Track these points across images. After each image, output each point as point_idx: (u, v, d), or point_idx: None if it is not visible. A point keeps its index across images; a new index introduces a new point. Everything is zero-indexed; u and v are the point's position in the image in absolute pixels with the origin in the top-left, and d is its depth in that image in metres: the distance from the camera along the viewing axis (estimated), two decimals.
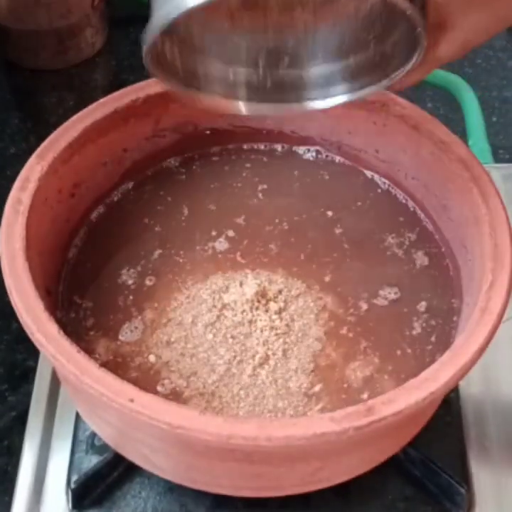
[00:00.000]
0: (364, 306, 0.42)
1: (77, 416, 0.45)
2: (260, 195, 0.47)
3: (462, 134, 0.60)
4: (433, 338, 0.41)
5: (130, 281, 0.43)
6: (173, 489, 0.43)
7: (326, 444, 0.33)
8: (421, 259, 0.45)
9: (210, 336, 0.40)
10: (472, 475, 0.44)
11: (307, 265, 0.44)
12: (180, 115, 0.46)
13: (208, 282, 0.43)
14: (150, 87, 0.45)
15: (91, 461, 0.43)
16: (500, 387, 0.47)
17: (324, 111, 0.45)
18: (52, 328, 0.35)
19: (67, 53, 0.67)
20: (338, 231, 0.46)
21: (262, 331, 0.40)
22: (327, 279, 0.43)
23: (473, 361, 0.35)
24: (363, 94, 0.39)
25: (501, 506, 0.43)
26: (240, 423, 0.33)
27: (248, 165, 0.48)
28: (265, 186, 0.47)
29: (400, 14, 0.33)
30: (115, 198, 0.47)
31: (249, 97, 0.40)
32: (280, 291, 0.42)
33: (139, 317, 0.42)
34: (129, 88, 0.44)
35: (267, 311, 0.41)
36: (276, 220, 0.46)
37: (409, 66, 0.36)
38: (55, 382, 0.46)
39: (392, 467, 0.42)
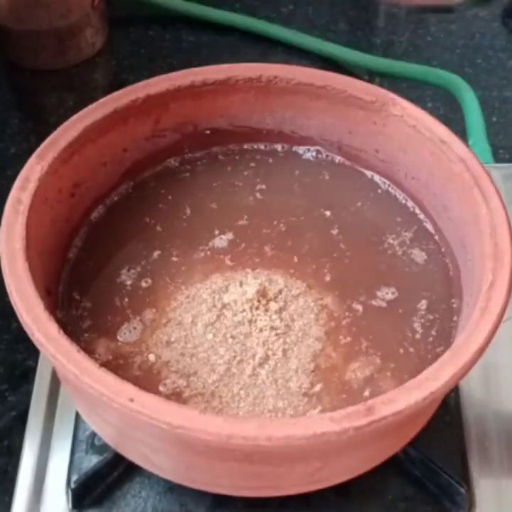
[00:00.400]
0: (364, 306, 0.42)
1: (77, 416, 0.45)
2: (261, 195, 0.47)
3: (462, 133, 0.60)
4: (433, 338, 0.41)
5: (130, 282, 0.43)
6: (173, 489, 0.43)
7: (326, 444, 0.33)
8: (421, 259, 0.45)
9: (210, 336, 0.40)
10: (472, 475, 0.44)
11: (307, 265, 0.44)
12: (180, 115, 0.46)
13: (208, 282, 0.43)
14: (150, 86, 0.45)
15: (91, 461, 0.43)
16: (500, 387, 0.47)
17: (324, 110, 0.45)
18: (52, 327, 0.35)
19: (67, 53, 0.67)
20: (338, 231, 0.46)
21: (261, 331, 0.40)
22: (327, 278, 0.43)
23: (473, 361, 0.35)
24: None
25: (502, 506, 0.43)
26: (240, 423, 0.33)
27: (251, 164, 0.48)
28: (264, 186, 0.47)
29: None
30: (115, 198, 0.47)
31: None
32: (280, 291, 0.42)
33: (138, 317, 0.42)
34: (128, 88, 0.44)
35: (267, 310, 0.41)
36: (275, 222, 0.46)
37: None
38: (55, 382, 0.46)
39: (392, 467, 0.42)
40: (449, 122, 0.43)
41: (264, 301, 0.41)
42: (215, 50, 0.70)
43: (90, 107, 0.43)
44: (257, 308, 0.41)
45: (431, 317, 0.42)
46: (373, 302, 0.43)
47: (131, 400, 0.33)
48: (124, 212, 0.46)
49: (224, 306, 0.41)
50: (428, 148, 0.43)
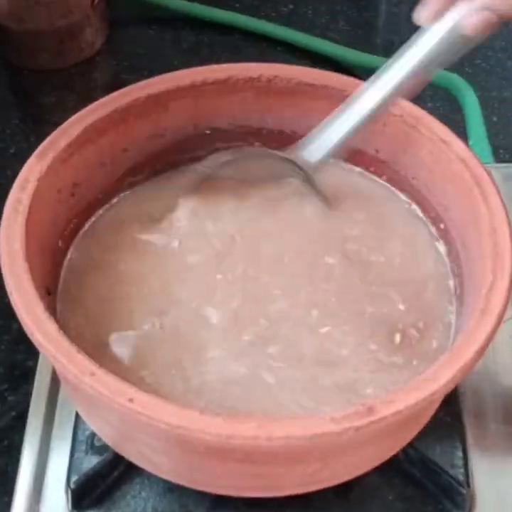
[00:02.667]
0: None
1: (77, 416, 0.45)
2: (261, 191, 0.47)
3: (462, 133, 0.60)
4: None
5: None
6: (173, 489, 0.43)
7: (326, 444, 0.33)
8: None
9: None
10: (473, 475, 0.44)
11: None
12: (180, 115, 0.46)
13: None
14: (150, 86, 0.45)
15: (91, 461, 0.43)
16: (501, 388, 0.47)
17: (324, 110, 0.45)
18: (52, 328, 0.35)
19: (67, 53, 0.67)
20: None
21: None
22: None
23: (473, 362, 0.35)
24: None
25: (502, 507, 0.43)
26: (240, 423, 0.33)
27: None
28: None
29: None
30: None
31: None
32: None
33: None
34: (128, 88, 0.44)
35: None
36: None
37: None
38: (55, 383, 0.46)
39: (392, 467, 0.42)
40: (449, 122, 0.43)
41: None
42: (215, 49, 0.70)
43: (90, 106, 0.43)
44: None
45: None
46: None
47: (131, 401, 0.33)
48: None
49: None
50: (428, 148, 0.43)
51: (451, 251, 0.44)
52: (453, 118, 0.62)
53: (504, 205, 0.40)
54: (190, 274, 0.43)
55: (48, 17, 0.65)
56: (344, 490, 0.41)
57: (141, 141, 0.46)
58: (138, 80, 0.45)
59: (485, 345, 0.35)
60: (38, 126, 0.64)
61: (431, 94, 0.65)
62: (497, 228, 0.39)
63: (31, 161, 0.41)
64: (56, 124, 0.42)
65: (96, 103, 0.44)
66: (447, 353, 0.36)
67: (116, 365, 0.38)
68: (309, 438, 0.32)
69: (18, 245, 0.38)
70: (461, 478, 0.43)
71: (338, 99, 0.45)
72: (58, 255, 0.43)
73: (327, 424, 0.33)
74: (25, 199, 0.39)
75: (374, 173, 0.47)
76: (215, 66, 0.46)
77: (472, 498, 0.43)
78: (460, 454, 0.44)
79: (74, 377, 0.34)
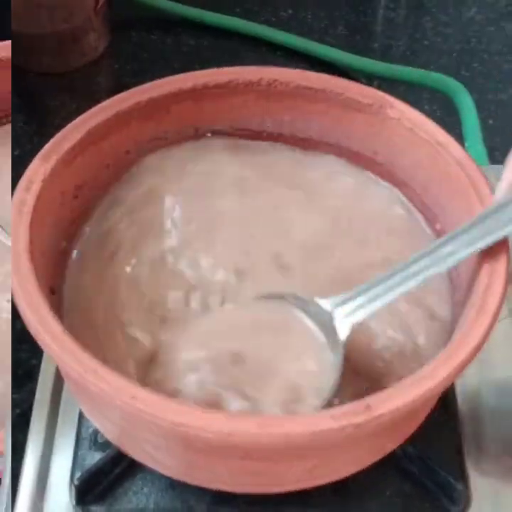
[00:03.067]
0: None
1: (81, 413, 0.45)
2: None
3: (459, 136, 0.61)
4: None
5: None
6: (174, 485, 0.43)
7: (325, 441, 0.34)
8: None
9: None
10: (469, 472, 0.44)
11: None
12: (181, 118, 0.47)
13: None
14: (152, 89, 0.45)
15: (94, 458, 0.43)
16: (496, 385, 0.48)
17: (323, 112, 0.45)
18: (57, 327, 0.36)
19: (69, 57, 0.68)
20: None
21: None
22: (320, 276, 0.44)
23: (469, 359, 0.35)
24: None
25: (498, 503, 0.44)
26: (241, 421, 0.33)
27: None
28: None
29: None
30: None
31: None
32: None
33: None
34: (131, 91, 0.45)
35: None
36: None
37: None
38: (59, 381, 0.47)
39: (390, 464, 0.42)
40: (446, 125, 0.44)
41: None
42: (216, 53, 0.70)
43: (93, 109, 0.44)
44: None
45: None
46: None
47: (134, 398, 0.33)
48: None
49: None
50: (425, 151, 0.44)
51: None
52: (449, 121, 0.62)
53: None
54: None
55: (50, 20, 0.66)
56: (342, 486, 0.41)
57: (143, 144, 0.47)
58: (140, 83, 0.45)
59: (480, 344, 0.36)
60: (41, 128, 0.65)
61: (428, 97, 0.66)
62: None
63: (35, 162, 0.41)
64: (59, 127, 0.43)
65: (98, 106, 0.44)
66: (444, 350, 0.36)
67: None
68: (309, 435, 0.33)
69: (23, 246, 0.38)
70: (457, 474, 0.43)
71: (337, 102, 0.46)
72: (62, 256, 0.43)
73: (327, 421, 0.33)
74: (30, 200, 0.40)
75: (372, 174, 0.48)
76: (216, 70, 0.46)
77: (468, 494, 0.43)
78: (456, 450, 0.44)
79: (77, 375, 0.34)
